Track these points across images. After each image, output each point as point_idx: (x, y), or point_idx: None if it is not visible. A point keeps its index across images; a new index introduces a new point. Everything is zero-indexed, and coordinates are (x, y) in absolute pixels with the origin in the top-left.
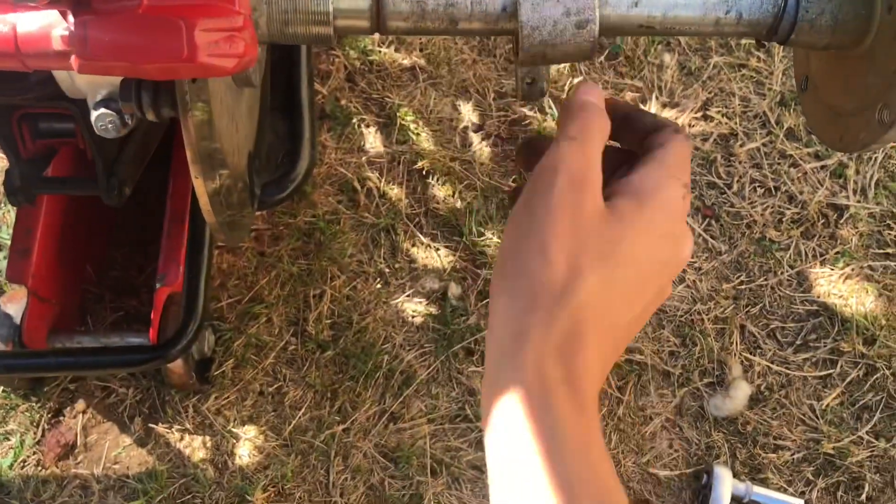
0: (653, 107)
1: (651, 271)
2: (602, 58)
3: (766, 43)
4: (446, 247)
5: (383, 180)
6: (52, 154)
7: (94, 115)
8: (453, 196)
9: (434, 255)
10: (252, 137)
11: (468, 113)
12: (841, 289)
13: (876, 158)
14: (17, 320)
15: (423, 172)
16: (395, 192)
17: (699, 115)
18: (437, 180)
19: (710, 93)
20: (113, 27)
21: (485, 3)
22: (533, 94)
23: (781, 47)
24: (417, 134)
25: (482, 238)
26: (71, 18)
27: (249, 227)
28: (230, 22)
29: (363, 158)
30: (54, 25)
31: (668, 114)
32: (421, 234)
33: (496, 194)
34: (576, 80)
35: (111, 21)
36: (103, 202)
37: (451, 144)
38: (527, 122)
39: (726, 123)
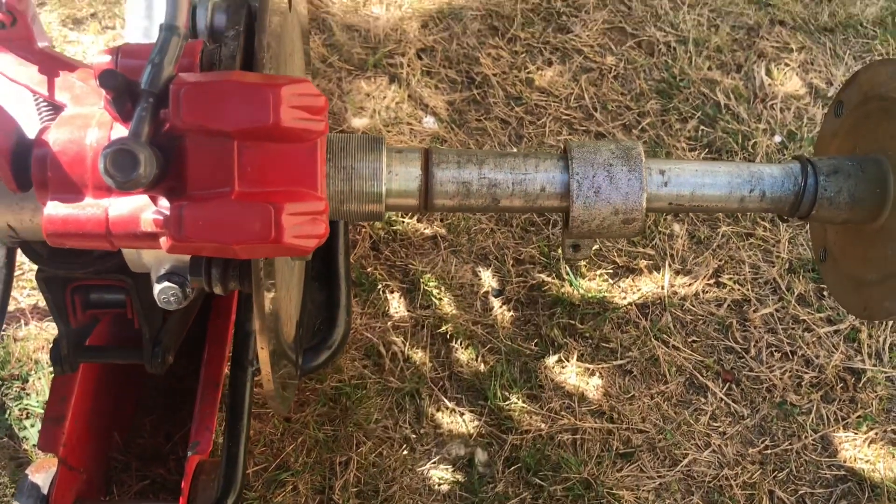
0: (666, 274)
1: None
2: None
3: (787, 218)
4: (471, 411)
5: (407, 344)
6: (94, 323)
7: (157, 288)
8: (476, 360)
9: (459, 420)
10: (299, 307)
11: (488, 279)
12: (867, 453)
13: (887, 322)
14: (45, 490)
15: (447, 336)
16: (419, 356)
17: (712, 281)
18: (460, 344)
19: (720, 260)
20: (207, 211)
21: (525, 183)
22: (576, 258)
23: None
24: (440, 299)
25: (507, 402)
26: (163, 202)
27: (294, 394)
28: (313, 206)
29: (388, 323)
30: (144, 209)
31: (681, 280)
32: (445, 398)
33: (519, 358)
34: None
35: (205, 205)
36: (133, 368)
37: (472, 309)
38: (546, 287)
39: (739, 290)
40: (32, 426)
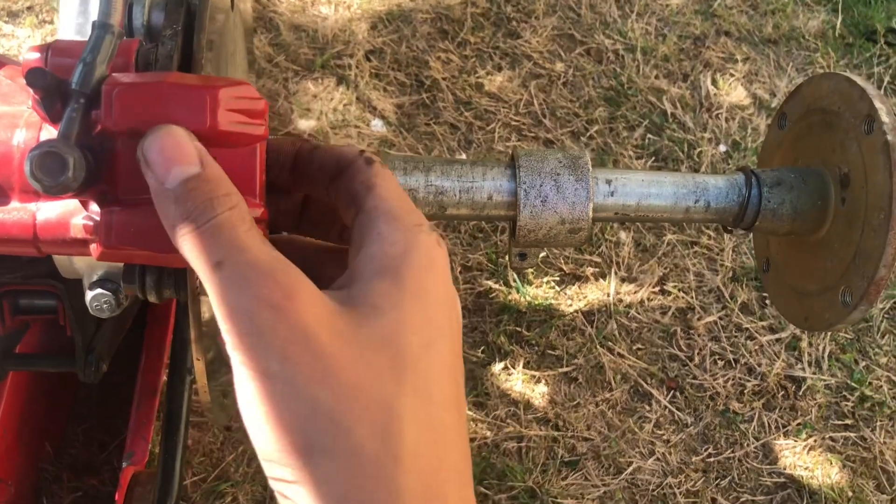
0: (612, 282)
1: (447, 358)
2: None
3: (731, 229)
4: None
5: None
6: (24, 330)
7: (89, 295)
8: None
9: None
10: None
11: None
12: (806, 460)
13: (827, 332)
14: None
15: None
16: None
17: (657, 289)
18: None
19: (665, 268)
20: (138, 217)
21: (472, 192)
22: (523, 266)
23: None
24: None
25: None
26: (94, 208)
27: (235, 404)
28: (251, 213)
29: None
30: (74, 214)
31: (626, 288)
32: None
33: (465, 365)
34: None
35: (137, 211)
36: (66, 377)
37: None
38: (493, 294)
39: (683, 297)
40: None
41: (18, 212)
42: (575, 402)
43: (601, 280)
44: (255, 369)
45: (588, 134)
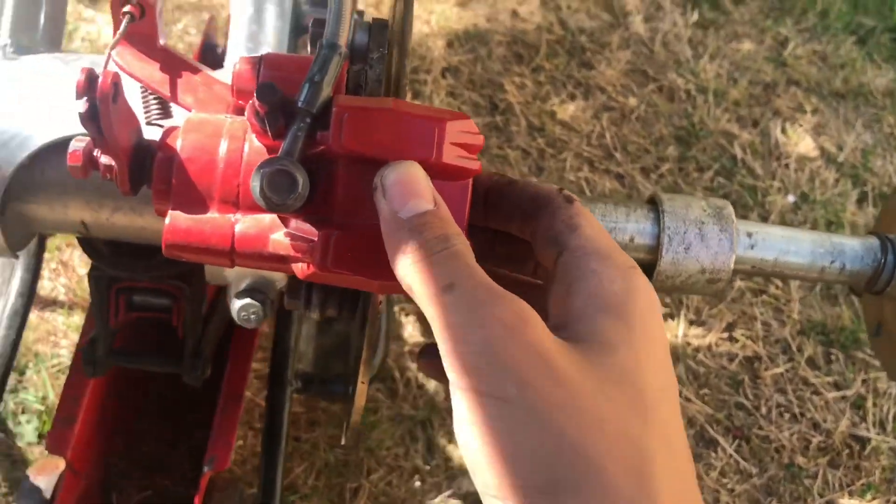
0: (681, 324)
1: (678, 407)
2: None
3: (858, 293)
4: None
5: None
6: (130, 326)
7: (237, 304)
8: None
9: None
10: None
11: None
12: None
13: (891, 393)
14: (48, 494)
15: None
16: (432, 384)
17: (725, 335)
18: None
19: (734, 314)
20: (356, 243)
21: (615, 232)
22: None
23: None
24: None
25: None
26: (297, 225)
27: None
28: None
29: (403, 347)
30: (272, 230)
31: (695, 331)
32: None
33: None
34: None
35: (355, 237)
36: (139, 373)
37: None
38: None
39: (751, 346)
40: (28, 422)
41: (218, 222)
42: None
43: (670, 321)
44: (488, 394)
45: (659, 171)
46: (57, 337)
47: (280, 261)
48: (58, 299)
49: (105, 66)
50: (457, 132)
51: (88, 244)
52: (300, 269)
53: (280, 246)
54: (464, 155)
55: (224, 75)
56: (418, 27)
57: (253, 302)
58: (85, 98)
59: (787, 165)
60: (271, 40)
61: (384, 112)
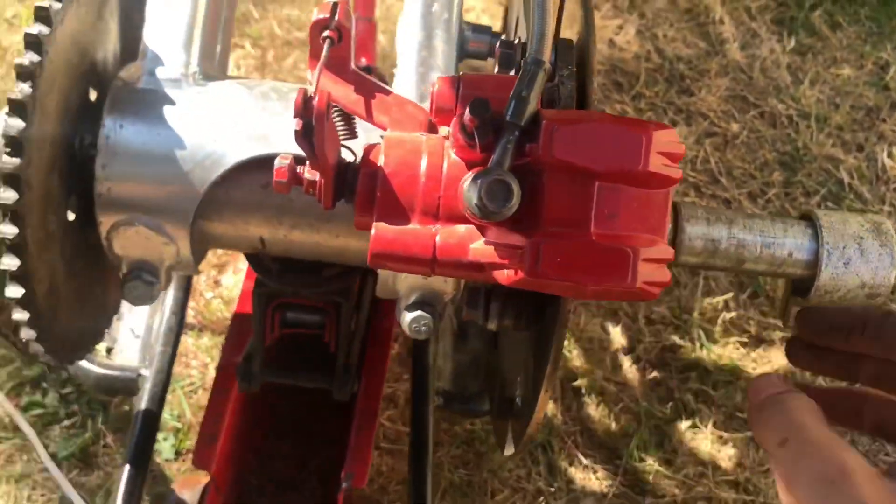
0: None
1: None
2: (744, 295)
3: None
4: (604, 469)
5: None
6: (282, 342)
7: (408, 316)
8: (609, 417)
9: (592, 477)
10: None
11: (618, 336)
12: None
13: None
14: None
15: (580, 390)
16: (550, 406)
17: None
18: (593, 399)
19: None
20: (566, 249)
21: (773, 247)
22: (787, 323)
23: None
24: (569, 351)
25: (641, 464)
26: (498, 234)
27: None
28: (662, 253)
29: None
30: (471, 239)
31: None
32: (579, 453)
33: (651, 419)
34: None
35: (564, 244)
36: (271, 389)
37: (603, 365)
38: (678, 349)
39: None
40: (165, 440)
41: (420, 232)
42: (764, 468)
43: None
44: None
45: (766, 197)
46: (188, 357)
47: (478, 269)
48: (187, 322)
49: (315, 88)
50: (661, 142)
51: (257, 261)
52: (505, 275)
53: (481, 254)
54: (667, 163)
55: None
56: None
57: (424, 314)
58: (300, 117)
59: (895, 190)
60: (441, 64)
61: (592, 124)
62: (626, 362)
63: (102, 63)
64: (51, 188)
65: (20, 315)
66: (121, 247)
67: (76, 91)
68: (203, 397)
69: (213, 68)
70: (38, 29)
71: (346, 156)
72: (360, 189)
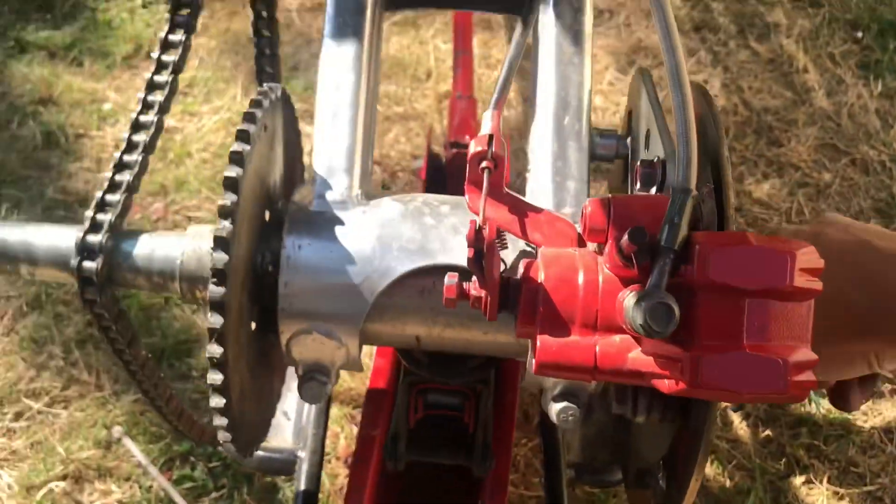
0: None
1: None
2: None
3: None
4: None
5: None
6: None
7: (555, 407)
8: (723, 474)
9: None
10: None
11: None
12: None
13: None
14: None
15: None
16: None
17: None
18: None
19: None
20: (723, 361)
21: None
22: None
23: None
24: None
25: None
26: (655, 347)
27: None
28: (807, 357)
29: None
30: (629, 349)
31: None
32: None
33: (765, 476)
34: None
35: (721, 356)
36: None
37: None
38: (789, 405)
39: None
40: None
41: (581, 344)
42: None
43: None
44: None
45: None
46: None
47: (638, 376)
48: None
49: (482, 219)
50: (803, 260)
51: (408, 354)
52: (666, 384)
53: (639, 363)
54: (808, 278)
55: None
56: (606, 122)
57: (570, 405)
58: (472, 246)
59: None
60: (575, 173)
61: (741, 247)
62: (736, 419)
63: (273, 187)
64: (242, 306)
65: (220, 421)
66: (298, 352)
67: (258, 216)
68: (336, 465)
69: (370, 186)
70: (235, 171)
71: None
72: (523, 304)
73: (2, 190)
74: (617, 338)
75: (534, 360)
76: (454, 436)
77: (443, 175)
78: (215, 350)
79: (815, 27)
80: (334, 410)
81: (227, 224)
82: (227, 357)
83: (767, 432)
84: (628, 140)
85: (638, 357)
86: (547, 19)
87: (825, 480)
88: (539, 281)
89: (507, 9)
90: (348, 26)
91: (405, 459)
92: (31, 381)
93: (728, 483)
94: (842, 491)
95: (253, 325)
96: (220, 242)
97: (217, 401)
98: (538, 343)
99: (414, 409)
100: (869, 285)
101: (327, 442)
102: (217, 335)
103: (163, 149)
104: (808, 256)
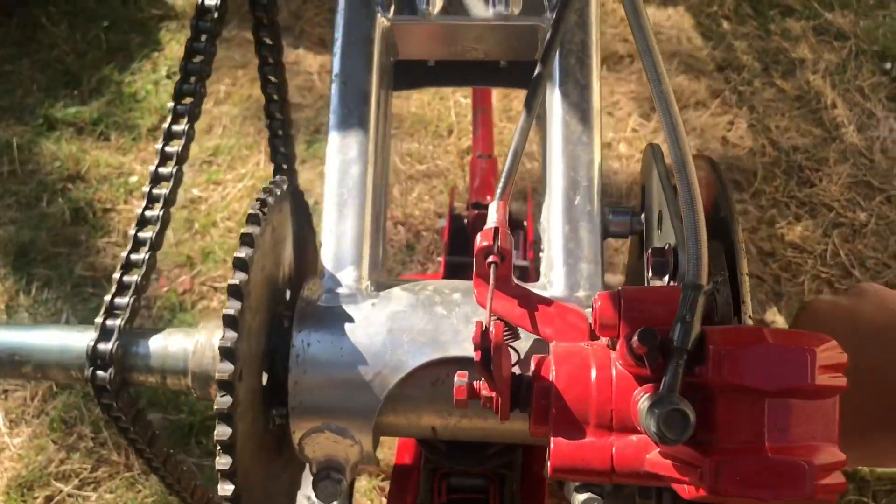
0: None
1: None
2: None
3: None
4: None
5: None
6: None
7: (578, 498)
8: None
9: None
10: None
11: None
12: None
13: None
14: None
15: None
16: None
17: None
18: None
19: None
20: (744, 467)
21: None
22: None
23: None
24: None
25: None
26: (675, 449)
27: None
28: (835, 458)
29: None
30: (646, 450)
31: None
32: None
33: None
34: None
35: (742, 461)
36: None
37: None
38: None
39: None
40: None
41: (596, 445)
42: None
43: None
44: None
45: None
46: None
47: (657, 479)
48: None
49: (488, 320)
50: (824, 356)
51: (426, 442)
52: (687, 490)
53: (658, 466)
54: (831, 374)
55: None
56: (629, 170)
57: (594, 496)
58: (479, 348)
59: None
60: (588, 255)
61: (758, 345)
62: None
63: (283, 279)
64: (254, 405)
65: None
66: (311, 451)
67: (267, 313)
68: None
69: (380, 275)
70: (240, 278)
71: (512, 356)
72: (534, 404)
73: (32, 269)
74: (634, 437)
75: (548, 462)
76: None
77: (466, 236)
78: (224, 461)
79: (842, 60)
80: (363, 483)
81: (231, 333)
82: (237, 468)
83: None
84: (642, 216)
85: (657, 459)
86: (554, 98)
87: None
88: (550, 380)
89: (512, 84)
90: (353, 115)
91: None
92: (62, 464)
93: None
94: None
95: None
96: (225, 353)
97: (226, 488)
98: (551, 446)
99: (438, 493)
100: None
101: None
102: (226, 446)
103: (188, 219)
104: (830, 353)
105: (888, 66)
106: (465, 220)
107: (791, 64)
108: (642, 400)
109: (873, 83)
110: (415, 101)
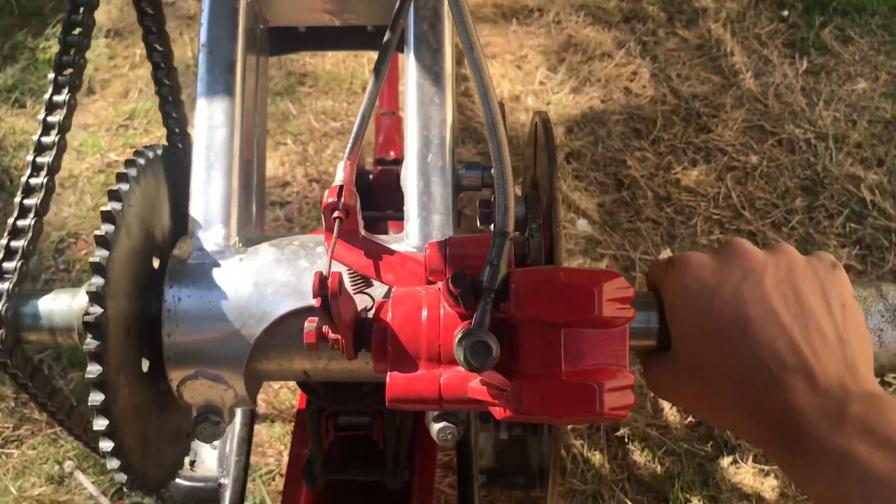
0: None
1: None
2: None
3: None
4: None
5: (586, 446)
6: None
7: (435, 427)
8: (653, 461)
9: None
10: None
11: None
12: None
13: None
14: None
15: (623, 438)
16: (597, 458)
17: None
18: (636, 445)
19: None
20: (542, 389)
21: None
22: None
23: None
24: None
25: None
26: (491, 376)
27: None
28: (625, 381)
29: (566, 427)
30: (469, 378)
31: None
32: (627, 499)
33: (694, 459)
34: None
35: (540, 384)
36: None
37: (643, 411)
38: None
39: None
40: None
41: (427, 377)
42: (804, 497)
43: None
44: None
45: (789, 224)
46: (263, 447)
47: (479, 404)
48: (260, 413)
49: (328, 270)
50: (612, 290)
51: (306, 385)
52: (498, 411)
53: (477, 392)
54: (619, 307)
55: (407, 245)
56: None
57: (449, 424)
58: (318, 296)
59: None
60: (440, 208)
61: (551, 283)
62: (666, 406)
63: (162, 237)
64: (127, 353)
65: (113, 464)
66: (189, 396)
67: (141, 268)
68: (281, 483)
69: (250, 231)
70: (106, 229)
71: (366, 301)
72: (374, 343)
73: None
74: (459, 369)
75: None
76: (367, 454)
77: (370, 192)
78: (97, 398)
79: (743, 9)
80: (279, 428)
81: (98, 279)
82: (109, 402)
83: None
84: (492, 170)
85: (477, 387)
86: (409, 62)
87: (750, 460)
88: (387, 321)
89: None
90: (219, 83)
91: (322, 480)
92: None
93: (659, 469)
94: (767, 468)
95: (145, 368)
96: (93, 297)
97: (106, 445)
98: (388, 380)
99: (325, 432)
100: None
101: (271, 460)
102: (97, 383)
103: (105, 183)
104: (616, 286)
105: (786, 13)
106: (370, 176)
107: (694, 13)
108: (457, 334)
109: (771, 30)
110: (330, 59)
